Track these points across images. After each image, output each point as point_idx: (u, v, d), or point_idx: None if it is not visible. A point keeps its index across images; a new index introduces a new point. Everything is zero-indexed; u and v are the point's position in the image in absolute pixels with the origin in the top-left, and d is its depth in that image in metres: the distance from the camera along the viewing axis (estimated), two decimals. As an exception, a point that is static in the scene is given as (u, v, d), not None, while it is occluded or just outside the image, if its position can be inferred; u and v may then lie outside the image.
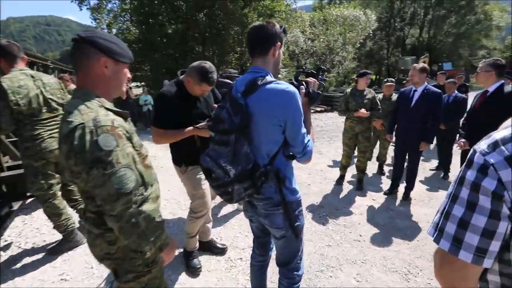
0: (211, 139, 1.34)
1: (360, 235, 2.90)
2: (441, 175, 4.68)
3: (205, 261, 2.45)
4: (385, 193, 3.90)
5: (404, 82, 7.03)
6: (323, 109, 11.72)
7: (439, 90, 3.41)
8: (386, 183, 4.31)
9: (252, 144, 1.28)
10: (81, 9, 10.60)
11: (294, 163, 1.40)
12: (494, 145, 0.67)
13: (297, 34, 16.40)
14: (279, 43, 1.33)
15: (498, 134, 0.69)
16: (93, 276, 2.28)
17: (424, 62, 21.84)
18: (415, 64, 3.42)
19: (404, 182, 3.74)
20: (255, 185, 1.27)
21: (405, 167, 3.77)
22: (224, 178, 1.26)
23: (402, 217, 3.30)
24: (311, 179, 4.47)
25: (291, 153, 1.34)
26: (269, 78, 1.28)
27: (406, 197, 3.71)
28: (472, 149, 0.71)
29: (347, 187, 4.17)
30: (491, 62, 2.79)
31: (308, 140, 1.30)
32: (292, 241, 1.43)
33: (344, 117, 4.04)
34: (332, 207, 3.51)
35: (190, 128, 1.97)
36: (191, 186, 2.13)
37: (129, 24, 11.51)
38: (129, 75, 1.18)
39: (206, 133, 1.93)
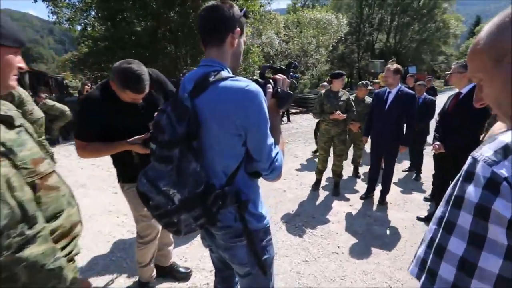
0: (152, 153, 1.00)
1: (338, 247, 2.68)
2: (413, 176, 4.66)
3: (165, 289, 2.09)
4: (361, 198, 3.75)
5: (371, 83, 7.15)
6: (298, 110, 11.64)
7: (412, 92, 3.34)
8: (361, 187, 4.17)
9: (203, 159, 0.96)
10: (35, 1, 9.56)
11: None
12: (505, 151, 0.48)
13: (272, 36, 16.27)
14: (238, 29, 1.03)
15: (507, 136, 0.50)
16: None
17: (391, 65, 22.82)
18: (388, 66, 3.31)
19: (380, 185, 3.61)
20: (209, 213, 0.96)
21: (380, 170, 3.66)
22: (166, 205, 0.94)
23: (379, 223, 3.14)
24: (287, 185, 4.22)
25: (255, 170, 1.04)
26: (224, 73, 0.97)
27: (382, 201, 3.58)
28: (470, 157, 0.54)
29: (323, 192, 3.97)
30: (463, 64, 2.72)
31: (277, 153, 1.01)
32: (259, 278, 1.13)
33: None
34: (308, 215, 3.27)
35: (122, 142, 1.56)
36: (132, 206, 1.76)
37: (93, 20, 10.63)
38: (22, 64, 0.82)
39: (141, 149, 1.55)
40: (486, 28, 0.56)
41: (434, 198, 3.36)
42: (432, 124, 4.33)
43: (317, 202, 3.66)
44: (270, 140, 0.98)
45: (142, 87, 1.46)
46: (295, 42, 16.80)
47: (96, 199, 3.65)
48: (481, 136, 3.46)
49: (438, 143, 2.78)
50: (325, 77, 21.99)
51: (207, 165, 0.99)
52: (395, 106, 3.20)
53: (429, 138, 4.77)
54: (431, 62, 33.46)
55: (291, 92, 1.11)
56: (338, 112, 3.54)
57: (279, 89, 1.07)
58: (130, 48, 10.12)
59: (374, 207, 3.54)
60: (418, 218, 3.20)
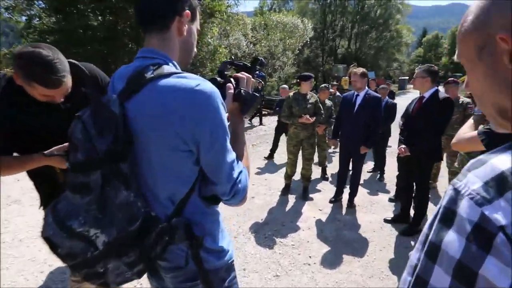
0: (67, 177, 0.72)
1: (310, 257, 2.53)
2: (378, 177, 4.75)
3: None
4: (330, 201, 3.68)
5: (333, 85, 7.35)
6: (266, 112, 11.53)
7: (379, 95, 3.34)
8: (330, 189, 4.12)
9: (139, 185, 0.70)
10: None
11: None
12: (500, 184, 0.33)
13: (240, 38, 16.09)
14: (188, 11, 0.78)
15: (501, 160, 0.35)
16: None
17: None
18: (355, 70, 3.28)
19: (348, 187, 3.58)
20: (149, 256, 0.70)
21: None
22: (85, 252, 0.66)
23: (349, 227, 3.07)
24: (255, 191, 4.02)
25: (212, 194, 0.80)
26: (168, 68, 0.72)
27: (351, 204, 3.55)
28: (450, 187, 0.38)
29: (292, 197, 3.84)
30: (426, 68, 2.75)
31: (240, 173, 0.78)
32: None
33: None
34: (278, 223, 3.10)
35: (37, 154, 1.18)
36: None
37: (40, 10, 9.48)
38: None
39: (62, 163, 1.19)
40: (476, 3, 0.42)
41: (399, 200, 3.39)
42: (394, 126, 4.47)
43: (287, 208, 3.51)
44: (231, 155, 0.75)
45: (54, 80, 1.07)
46: (263, 44, 16.80)
47: (31, 218, 3.01)
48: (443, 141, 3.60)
49: (403, 146, 2.78)
50: (292, 79, 22.40)
51: (147, 191, 0.73)
52: (363, 109, 3.18)
53: (391, 140, 4.93)
54: (387, 68, 35.87)
55: (256, 94, 0.89)
56: (307, 116, 3.45)
57: (242, 90, 0.84)
58: (85, 43, 9.21)
59: (343, 211, 3.48)
60: (385, 220, 3.19)
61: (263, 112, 11.50)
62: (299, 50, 20.08)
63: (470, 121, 1.49)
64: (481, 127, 1.45)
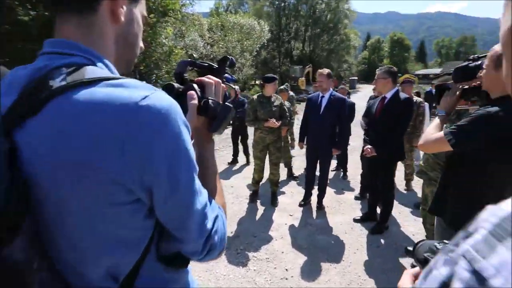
0: None
1: (287, 269, 2.36)
2: (341, 175, 4.83)
3: None
4: (300, 205, 3.59)
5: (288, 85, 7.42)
6: None
7: (343, 96, 3.33)
8: (298, 192, 4.04)
9: (52, 263, 0.43)
10: None
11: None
12: None
13: (196, 38, 15.53)
14: None
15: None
16: None
17: (308, 71, 24.86)
18: (320, 70, 3.23)
19: (316, 189, 3.52)
20: None
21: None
22: None
23: (321, 231, 2.99)
24: (223, 200, 3.75)
25: (178, 252, 0.55)
26: (93, 71, 0.45)
27: (320, 206, 3.50)
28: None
29: (261, 204, 3.66)
30: (386, 70, 2.79)
31: (216, 218, 0.55)
32: None
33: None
34: (249, 235, 2.89)
35: None
36: None
37: (-48, 2, 7.92)
38: None
39: None
40: None
41: (366, 198, 3.42)
42: (352, 125, 4.58)
43: (257, 217, 3.32)
44: (202, 198, 0.51)
45: None
46: (220, 45, 16.46)
47: None
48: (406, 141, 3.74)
49: (369, 146, 2.78)
50: (251, 81, 22.40)
51: (68, 270, 0.45)
52: (330, 110, 3.14)
53: (351, 138, 5.06)
54: (338, 69, 38.15)
55: (229, 105, 0.66)
56: (273, 120, 3.30)
57: (210, 101, 0.61)
58: (14, 41, 7.91)
59: (313, 214, 3.41)
60: (355, 220, 3.19)
61: None
62: (256, 52, 20.15)
63: (436, 121, 1.45)
64: (446, 126, 1.43)
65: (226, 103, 0.64)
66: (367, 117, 3.12)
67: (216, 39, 17.02)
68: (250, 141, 5.48)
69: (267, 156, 3.61)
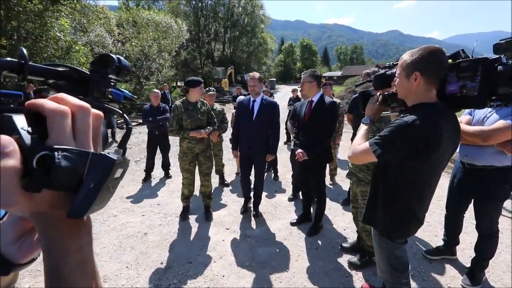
0: None
1: (230, 297, 2.09)
2: (272, 177, 4.84)
3: None
4: (241, 212, 3.39)
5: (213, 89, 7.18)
6: (137, 122, 9.95)
7: (274, 100, 3.26)
8: (233, 201, 3.81)
9: None
10: None
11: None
12: None
13: (103, 34, 13.44)
14: None
15: None
16: None
17: (230, 73, 24.99)
18: (251, 74, 3.06)
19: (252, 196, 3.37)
20: None
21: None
22: None
23: (261, 242, 2.83)
24: (147, 223, 3.19)
25: None
26: None
27: (257, 213, 3.35)
28: None
29: (194, 221, 3.27)
30: (311, 74, 2.81)
31: None
32: None
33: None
34: (184, 263, 2.48)
35: None
36: None
37: None
38: None
39: None
40: None
41: (302, 201, 3.42)
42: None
43: (191, 237, 2.92)
44: None
45: None
46: (133, 43, 14.74)
47: None
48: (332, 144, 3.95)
49: (301, 151, 2.76)
50: (172, 82, 21.02)
51: None
52: (262, 114, 3.01)
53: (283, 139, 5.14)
54: (258, 71, 39.86)
55: (111, 158, 0.30)
56: (201, 131, 2.98)
57: (58, 155, 0.26)
58: None
59: (252, 223, 3.23)
60: (292, 224, 3.16)
61: (135, 123, 9.82)
62: (176, 52, 18.95)
63: (362, 129, 1.45)
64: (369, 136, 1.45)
65: (104, 153, 0.31)
66: (294, 120, 3.11)
67: (128, 36, 15.16)
68: (172, 152, 4.94)
69: (197, 167, 3.24)
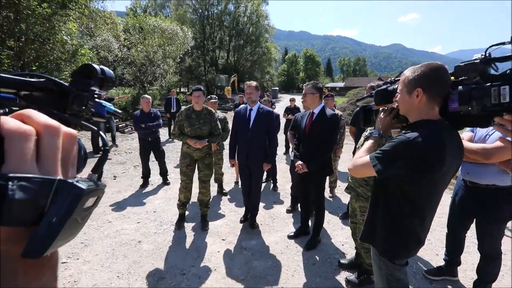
0: None
1: (222, 313, 2.02)
2: (271, 187, 4.78)
3: None
4: (241, 221, 3.38)
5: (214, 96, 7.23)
6: (128, 127, 9.89)
7: (270, 108, 3.24)
8: (230, 211, 3.75)
9: None
10: None
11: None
12: None
13: (109, 39, 13.64)
14: None
15: None
16: None
17: (233, 81, 25.20)
18: (248, 82, 3.06)
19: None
20: None
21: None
22: None
23: (258, 255, 2.77)
24: (142, 231, 3.13)
25: None
26: None
27: (253, 225, 3.29)
28: None
29: (190, 230, 3.21)
30: (313, 85, 2.80)
31: None
32: None
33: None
34: (177, 273, 2.42)
35: None
36: None
37: None
38: None
39: None
40: None
41: (301, 214, 3.35)
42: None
43: (186, 246, 2.86)
44: None
45: None
46: (139, 49, 14.93)
47: None
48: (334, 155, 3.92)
49: (301, 163, 2.72)
50: (176, 88, 21.18)
51: None
52: (259, 123, 3.00)
53: (278, 149, 5.11)
54: (261, 79, 40.17)
55: (80, 188, 0.26)
56: (195, 141, 3.00)
57: (12, 185, 0.22)
58: None
59: (249, 235, 3.17)
60: (289, 237, 3.10)
61: (124, 126, 9.72)
62: (180, 59, 19.16)
63: (368, 143, 1.41)
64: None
65: (72, 181, 0.27)
66: (294, 131, 3.08)
67: (134, 41, 15.37)
68: (169, 159, 4.88)
69: (196, 173, 3.23)
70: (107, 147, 0.35)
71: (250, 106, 3.05)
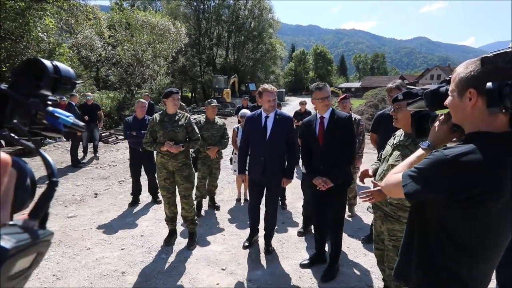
0: None
1: None
2: (279, 204, 4.67)
3: None
4: (244, 246, 3.27)
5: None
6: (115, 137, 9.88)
7: (289, 114, 3.21)
8: (230, 233, 3.66)
9: None
10: None
11: None
12: None
13: (92, 36, 13.89)
14: None
15: None
16: None
17: (233, 82, 25.40)
18: (267, 86, 3.01)
19: (263, 229, 3.24)
20: None
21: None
22: None
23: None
24: (126, 260, 3.05)
25: None
26: None
27: (268, 250, 3.23)
28: None
29: (183, 257, 3.11)
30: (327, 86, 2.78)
31: None
32: None
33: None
34: (167, 312, 2.32)
35: None
36: None
37: None
38: None
39: None
40: None
41: (315, 238, 3.22)
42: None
43: (179, 277, 2.75)
44: None
45: None
46: (126, 47, 15.17)
47: None
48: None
49: (322, 178, 2.63)
50: (150, 92, 21.33)
51: None
52: (278, 132, 2.95)
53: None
54: (265, 80, 40.47)
55: (22, 243, 0.23)
56: (168, 142, 3.04)
57: None
58: None
59: (254, 263, 3.06)
60: (302, 266, 2.98)
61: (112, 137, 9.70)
62: (173, 58, 19.42)
63: (413, 156, 1.30)
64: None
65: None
66: (304, 139, 2.99)
67: (120, 39, 15.64)
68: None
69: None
70: (54, 179, 0.29)
71: (266, 113, 2.99)
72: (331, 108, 2.75)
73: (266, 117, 2.97)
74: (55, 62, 0.36)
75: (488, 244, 1.07)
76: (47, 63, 0.34)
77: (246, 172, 3.24)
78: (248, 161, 3.18)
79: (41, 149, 0.33)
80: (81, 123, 0.40)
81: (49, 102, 0.35)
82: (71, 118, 0.38)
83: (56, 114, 0.35)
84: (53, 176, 0.30)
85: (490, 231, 1.05)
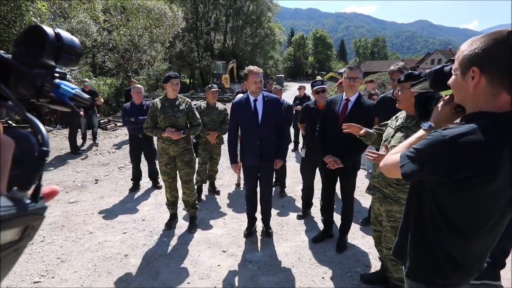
0: None
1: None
2: (279, 191, 4.70)
3: None
4: (245, 235, 3.27)
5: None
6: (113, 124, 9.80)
7: (276, 96, 3.19)
8: (231, 217, 3.71)
9: None
10: None
11: None
12: None
13: (86, 21, 13.58)
14: None
15: None
16: None
17: (232, 67, 25.07)
18: (252, 67, 2.93)
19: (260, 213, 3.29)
20: None
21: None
22: None
23: (265, 269, 2.72)
24: (129, 243, 3.10)
25: None
26: None
27: (268, 232, 3.30)
28: None
29: (184, 240, 3.17)
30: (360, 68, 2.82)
31: None
32: None
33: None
34: (170, 292, 2.38)
35: None
36: None
37: None
38: None
39: None
40: None
41: (324, 216, 3.29)
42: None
43: (181, 261, 2.82)
44: None
45: None
46: (121, 32, 14.88)
47: None
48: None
49: (333, 158, 2.71)
50: (135, 78, 21.07)
51: None
52: (269, 115, 2.92)
53: (290, 146, 5.04)
54: (264, 66, 39.95)
55: (10, 213, 0.23)
56: (170, 129, 3.06)
57: None
58: None
59: (254, 246, 3.12)
60: (313, 240, 3.18)
61: (110, 125, 9.61)
62: (170, 43, 19.08)
63: (412, 137, 1.29)
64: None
65: None
66: (324, 117, 2.99)
67: (115, 23, 15.31)
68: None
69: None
70: (44, 148, 0.28)
71: (254, 96, 2.94)
72: (358, 93, 2.77)
73: (255, 100, 2.90)
74: (58, 30, 0.35)
75: (477, 224, 1.08)
76: (49, 29, 0.33)
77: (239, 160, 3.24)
78: (239, 148, 3.14)
79: (28, 114, 0.30)
80: (86, 95, 0.39)
81: (56, 75, 0.34)
82: (76, 91, 0.37)
83: (61, 85, 0.34)
84: (44, 145, 0.29)
85: (478, 212, 1.06)
